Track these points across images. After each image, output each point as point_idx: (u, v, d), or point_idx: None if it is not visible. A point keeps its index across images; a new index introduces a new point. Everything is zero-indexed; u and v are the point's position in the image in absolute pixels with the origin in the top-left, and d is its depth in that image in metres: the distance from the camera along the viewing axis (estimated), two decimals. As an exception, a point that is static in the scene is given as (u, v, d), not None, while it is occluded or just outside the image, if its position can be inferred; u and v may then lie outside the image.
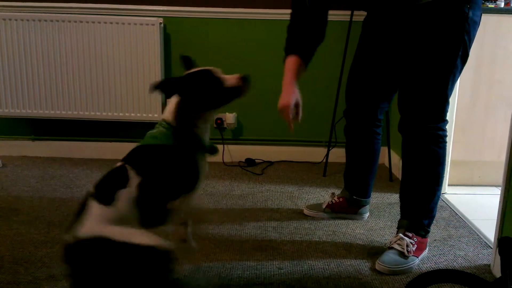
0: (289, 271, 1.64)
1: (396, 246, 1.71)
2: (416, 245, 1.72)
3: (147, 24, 2.71)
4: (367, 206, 2.13)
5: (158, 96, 2.79)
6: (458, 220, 2.12)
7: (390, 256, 1.69)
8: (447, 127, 1.74)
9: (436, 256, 1.78)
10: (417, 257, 1.72)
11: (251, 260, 1.70)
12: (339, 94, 2.78)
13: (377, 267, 1.67)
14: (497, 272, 1.63)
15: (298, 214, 2.15)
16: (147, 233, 1.15)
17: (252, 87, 2.99)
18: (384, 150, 2.83)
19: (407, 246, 1.70)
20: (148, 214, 1.24)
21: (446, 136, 1.73)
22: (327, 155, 2.81)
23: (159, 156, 1.33)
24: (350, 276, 1.62)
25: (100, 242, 1.07)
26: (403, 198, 1.81)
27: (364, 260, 1.73)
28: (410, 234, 1.74)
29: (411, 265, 1.69)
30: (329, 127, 2.81)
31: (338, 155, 2.91)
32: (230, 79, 1.37)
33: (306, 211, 2.16)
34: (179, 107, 1.37)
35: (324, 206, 2.13)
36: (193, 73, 1.38)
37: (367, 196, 2.10)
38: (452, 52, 1.61)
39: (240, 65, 2.89)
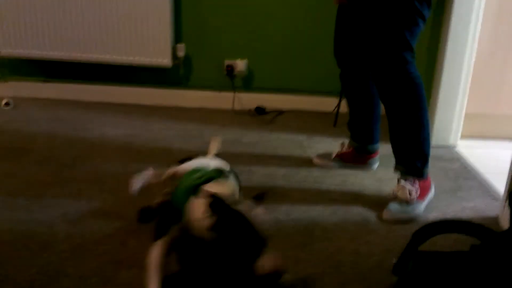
0: (297, 217, 1.66)
1: (399, 195, 1.73)
2: (419, 190, 1.74)
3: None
4: (377, 157, 2.11)
5: (167, 41, 2.74)
6: (469, 173, 2.11)
7: (395, 205, 1.72)
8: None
9: (444, 206, 1.79)
10: (422, 201, 1.75)
11: (259, 206, 1.72)
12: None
13: (383, 216, 1.70)
14: (504, 224, 1.64)
15: (307, 163, 2.15)
16: None
17: (265, 33, 2.92)
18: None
19: (410, 193, 1.72)
20: None
21: (413, 74, 1.71)
22: (338, 105, 2.77)
23: None
24: (357, 224, 1.64)
25: None
26: (393, 143, 1.81)
27: (371, 209, 1.74)
28: (411, 180, 1.75)
29: (417, 211, 1.72)
30: (342, 76, 2.76)
31: (349, 105, 2.88)
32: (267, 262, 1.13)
33: (315, 160, 2.16)
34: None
35: (333, 156, 2.13)
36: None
37: (374, 141, 2.07)
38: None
39: (252, 10, 2.80)
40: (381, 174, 2.06)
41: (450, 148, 2.39)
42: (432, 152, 2.31)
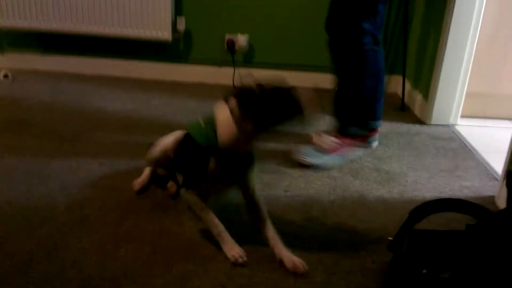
0: (295, 194, 1.67)
1: (314, 140, 1.91)
2: (339, 145, 1.91)
3: None
4: (376, 135, 2.10)
5: (167, 14, 2.70)
6: (467, 152, 2.11)
7: (306, 148, 1.89)
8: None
9: (441, 185, 1.80)
10: (337, 155, 1.90)
11: (258, 183, 1.72)
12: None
13: (292, 155, 1.87)
14: (501, 204, 1.65)
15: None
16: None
17: (266, 8, 2.88)
18: (398, 78, 2.77)
19: (325, 142, 1.89)
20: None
21: (366, 46, 1.84)
22: (339, 82, 2.76)
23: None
24: (355, 202, 1.65)
25: None
26: (334, 103, 1.98)
27: (369, 187, 1.75)
28: (335, 134, 1.93)
29: (325, 160, 1.87)
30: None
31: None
32: (308, 108, 1.22)
33: (315, 138, 2.16)
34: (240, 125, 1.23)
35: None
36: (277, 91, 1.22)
37: (378, 117, 2.04)
38: None
39: (254, -17, 2.76)
40: (380, 152, 2.06)
41: (450, 127, 2.39)
42: (432, 130, 2.33)
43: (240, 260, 1.29)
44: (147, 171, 1.65)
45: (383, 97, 2.01)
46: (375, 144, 2.11)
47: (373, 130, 2.04)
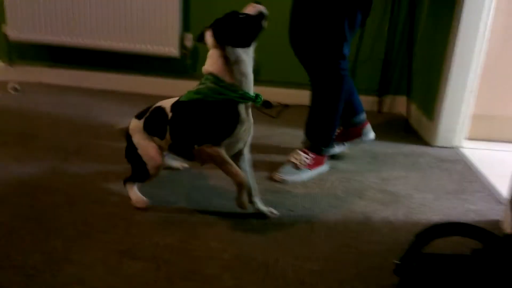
0: (300, 214, 1.67)
1: (292, 159, 1.97)
2: (312, 161, 1.97)
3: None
4: (368, 125, 2.15)
5: (175, 30, 2.73)
6: (473, 175, 2.11)
7: (286, 168, 1.95)
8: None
9: (447, 208, 1.79)
10: (310, 170, 1.97)
11: (264, 201, 1.73)
12: (362, 41, 2.71)
13: (274, 177, 1.92)
14: (507, 228, 1.64)
15: (312, 159, 2.15)
16: (151, 152, 1.60)
17: (272, 27, 2.91)
18: (403, 99, 2.78)
19: (301, 161, 1.96)
20: (173, 147, 1.58)
21: (344, 71, 1.91)
22: (345, 101, 2.77)
23: (188, 106, 1.51)
24: (360, 223, 1.64)
25: (128, 134, 1.65)
26: (308, 120, 2.03)
27: (374, 208, 1.75)
28: (308, 152, 1.98)
29: (302, 176, 1.94)
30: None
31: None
32: (250, 9, 1.49)
33: (291, 156, 2.19)
34: (223, 57, 1.44)
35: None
36: (224, 16, 1.47)
37: (357, 112, 2.12)
38: None
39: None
40: (385, 173, 2.06)
41: (455, 149, 2.39)
42: (437, 152, 2.33)
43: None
44: (133, 190, 1.65)
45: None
46: (371, 134, 2.18)
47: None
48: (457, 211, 1.78)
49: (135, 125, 1.64)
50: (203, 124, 1.48)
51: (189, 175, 1.90)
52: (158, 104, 1.62)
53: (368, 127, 2.16)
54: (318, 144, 2.00)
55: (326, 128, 2.00)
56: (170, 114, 1.55)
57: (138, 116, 1.65)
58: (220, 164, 1.50)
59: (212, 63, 1.47)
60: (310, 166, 1.98)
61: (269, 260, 1.38)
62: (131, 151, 1.62)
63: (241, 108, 1.48)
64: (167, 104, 1.59)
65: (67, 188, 1.70)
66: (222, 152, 1.48)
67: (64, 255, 1.34)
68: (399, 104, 2.87)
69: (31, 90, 2.81)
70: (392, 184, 1.96)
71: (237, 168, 1.52)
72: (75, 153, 2.01)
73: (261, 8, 1.49)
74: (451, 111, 2.36)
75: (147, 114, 1.63)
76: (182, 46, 2.84)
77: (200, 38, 1.50)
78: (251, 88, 1.51)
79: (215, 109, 1.46)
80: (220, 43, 1.44)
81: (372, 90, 2.88)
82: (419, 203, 1.81)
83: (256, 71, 1.54)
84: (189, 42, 2.85)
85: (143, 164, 1.60)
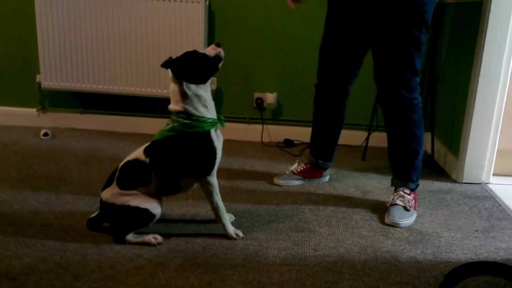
0: (325, 254, 1.65)
1: (399, 202, 1.94)
2: (413, 200, 1.97)
3: (193, 2, 2.73)
4: (328, 169, 2.36)
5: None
6: (502, 211, 2.06)
7: (396, 211, 1.91)
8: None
9: (477, 247, 1.74)
10: (416, 211, 1.96)
11: (287, 241, 1.73)
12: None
13: (386, 220, 1.89)
14: (540, 267, 1.58)
15: (335, 197, 2.15)
16: (143, 198, 1.64)
17: (294, 67, 3.01)
18: (427, 135, 2.77)
19: (408, 201, 1.94)
20: (160, 187, 1.66)
21: (419, 102, 1.96)
22: (367, 139, 2.77)
23: (168, 143, 1.64)
24: (387, 262, 1.61)
25: (107, 205, 1.68)
26: (392, 160, 2.06)
27: (401, 247, 1.72)
28: (408, 191, 1.99)
29: (413, 218, 1.92)
30: (370, 110, 2.77)
31: (378, 139, 2.87)
32: (210, 50, 1.63)
33: (276, 181, 2.29)
34: (181, 91, 1.61)
35: (293, 173, 2.31)
36: (184, 54, 1.62)
37: (331, 160, 2.32)
38: (412, 26, 1.82)
39: (283, 45, 2.87)
40: (411, 210, 2.03)
41: (483, 185, 2.35)
42: (464, 189, 2.29)
43: (240, 235, 1.73)
44: (137, 237, 1.68)
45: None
46: (327, 177, 2.37)
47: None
48: (487, 250, 1.73)
49: (111, 192, 1.66)
50: (193, 157, 1.62)
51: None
52: (123, 162, 1.70)
53: (328, 171, 2.36)
54: (412, 179, 2.01)
55: (415, 160, 1.99)
56: (147, 160, 1.63)
57: (108, 184, 1.69)
58: (216, 193, 1.68)
59: (176, 101, 1.63)
60: (415, 207, 1.97)
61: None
62: (121, 211, 1.63)
63: (212, 132, 1.65)
64: (135, 155, 1.68)
65: (94, 233, 1.74)
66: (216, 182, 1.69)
67: (91, 298, 1.36)
68: (424, 141, 2.85)
69: (62, 135, 2.92)
70: (419, 222, 1.93)
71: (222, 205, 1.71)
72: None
73: (219, 51, 1.64)
74: (477, 146, 2.33)
75: (117, 175, 1.67)
76: (206, 89, 2.92)
77: (164, 65, 1.63)
78: (214, 113, 1.67)
79: (196, 141, 1.62)
80: (178, 78, 1.59)
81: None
82: (447, 242, 1.77)
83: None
84: (213, 85, 2.93)
85: (141, 211, 1.63)
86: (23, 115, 3.10)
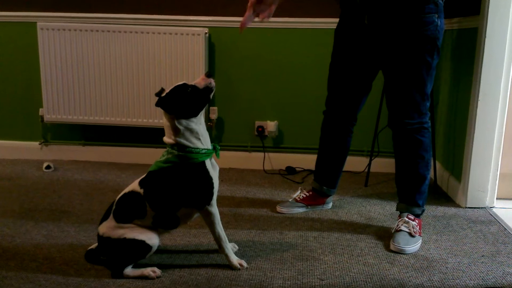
0: (331, 283, 1.63)
1: (403, 228, 1.93)
2: (418, 226, 1.95)
3: (193, 34, 2.78)
4: (332, 196, 2.34)
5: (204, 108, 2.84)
6: (508, 236, 2.04)
7: (401, 237, 1.89)
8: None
9: (483, 272, 1.72)
10: (421, 236, 1.94)
11: (292, 270, 1.71)
12: (382, 103, 2.76)
13: (391, 247, 1.87)
14: (550, 292, 1.56)
15: (339, 224, 2.14)
16: (139, 230, 1.63)
17: (294, 95, 3.03)
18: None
19: (413, 227, 1.92)
20: (157, 220, 1.64)
21: (429, 126, 1.98)
22: (369, 165, 2.78)
23: (162, 174, 1.64)
24: (393, 290, 1.59)
25: (104, 239, 1.66)
26: (398, 183, 2.06)
27: (408, 274, 1.70)
28: (412, 217, 1.97)
29: (419, 244, 1.90)
30: (372, 136, 2.78)
31: (380, 165, 2.87)
32: (199, 81, 1.62)
33: (279, 209, 2.28)
34: (172, 126, 1.60)
35: (296, 201, 2.30)
36: (173, 88, 1.60)
37: (335, 187, 2.31)
38: (424, 52, 1.85)
39: (282, 74, 2.91)
40: (416, 236, 2.02)
41: (487, 209, 2.33)
42: (468, 213, 2.28)
43: (244, 265, 1.71)
44: (135, 270, 1.66)
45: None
46: (330, 204, 2.36)
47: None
48: (494, 275, 1.70)
49: (107, 225, 1.65)
50: (189, 188, 1.61)
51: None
52: (120, 195, 1.69)
53: (331, 198, 2.35)
54: (418, 204, 2.01)
55: (422, 185, 2.01)
56: (141, 191, 1.64)
57: (105, 217, 1.68)
58: (218, 223, 1.67)
59: (170, 134, 1.61)
60: (420, 233, 1.96)
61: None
62: (118, 245, 1.62)
63: (207, 163, 1.63)
64: (131, 187, 1.68)
65: (97, 266, 1.72)
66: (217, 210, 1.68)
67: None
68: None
69: (65, 167, 2.93)
70: (425, 248, 1.91)
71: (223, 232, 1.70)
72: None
73: (209, 81, 1.62)
74: (479, 171, 2.33)
75: (114, 208, 1.67)
76: (208, 119, 2.95)
77: (156, 103, 1.61)
78: (209, 143, 1.66)
79: (191, 172, 1.60)
80: (169, 113, 1.59)
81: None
82: (453, 268, 1.75)
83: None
84: (214, 115, 2.96)
85: (138, 243, 1.61)
86: (26, 149, 3.11)
